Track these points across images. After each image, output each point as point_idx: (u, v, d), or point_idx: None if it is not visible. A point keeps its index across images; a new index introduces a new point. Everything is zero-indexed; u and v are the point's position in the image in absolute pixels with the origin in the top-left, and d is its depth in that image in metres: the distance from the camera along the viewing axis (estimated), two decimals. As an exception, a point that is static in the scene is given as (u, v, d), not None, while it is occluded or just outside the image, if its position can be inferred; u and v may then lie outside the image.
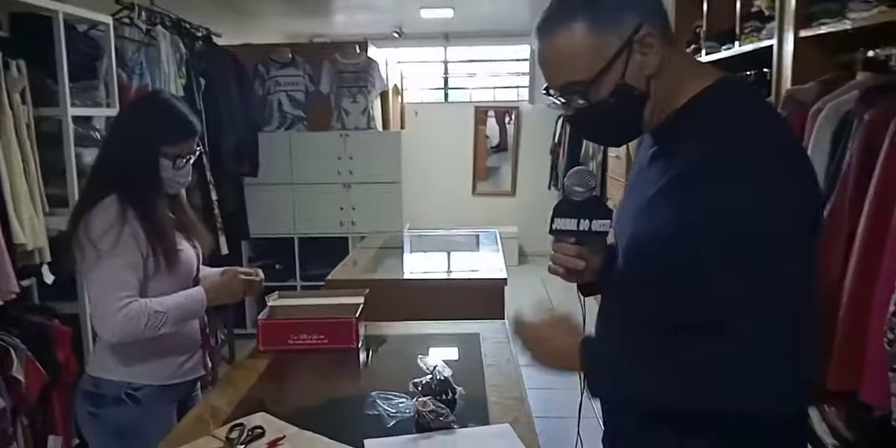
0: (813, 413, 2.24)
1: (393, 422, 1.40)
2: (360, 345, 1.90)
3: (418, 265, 3.64)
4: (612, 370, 0.99)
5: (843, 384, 1.48)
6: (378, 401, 1.44)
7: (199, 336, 1.78)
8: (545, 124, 6.84)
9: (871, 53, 1.90)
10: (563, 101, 1.04)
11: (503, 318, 2.38)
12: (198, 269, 1.80)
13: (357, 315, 1.91)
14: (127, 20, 3.29)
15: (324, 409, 1.54)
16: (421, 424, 1.39)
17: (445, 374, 1.50)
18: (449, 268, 3.35)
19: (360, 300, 2.03)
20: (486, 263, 3.11)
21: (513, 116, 7.28)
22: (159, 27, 3.38)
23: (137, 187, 1.65)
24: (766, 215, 0.88)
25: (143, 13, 3.37)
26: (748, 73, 2.64)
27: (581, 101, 1.00)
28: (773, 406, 0.90)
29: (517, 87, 7.38)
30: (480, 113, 7.31)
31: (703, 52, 3.00)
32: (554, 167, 6.74)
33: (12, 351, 2.30)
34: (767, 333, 0.88)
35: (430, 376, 1.50)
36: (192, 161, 1.74)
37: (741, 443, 0.98)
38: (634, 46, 0.97)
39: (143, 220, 1.61)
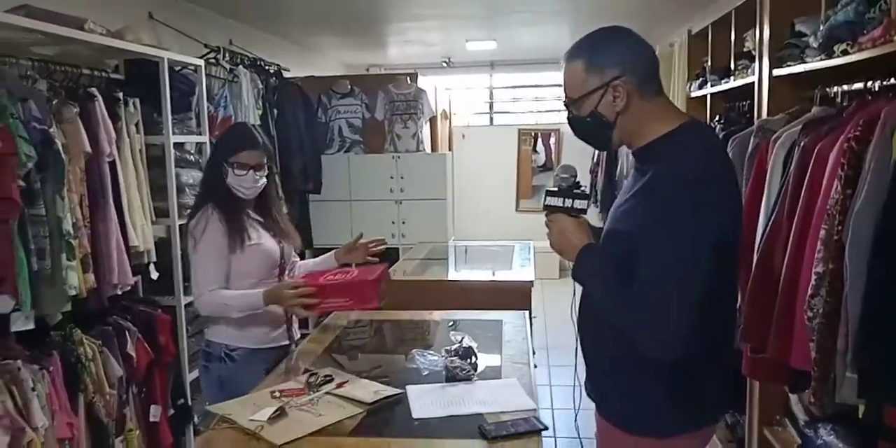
0: (793, 396, 2.61)
1: (427, 372, 1.86)
2: (381, 304, 2.06)
3: (458, 269, 4.11)
4: (591, 269, 1.43)
5: (779, 353, 1.88)
6: (416, 356, 1.90)
7: (283, 314, 2.24)
8: (585, 145, 7.22)
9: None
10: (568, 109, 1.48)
11: (528, 309, 2.81)
12: (283, 259, 2.26)
13: (375, 277, 2.06)
14: (213, 61, 3.88)
15: (376, 366, 2.01)
16: (448, 376, 1.85)
17: (470, 344, 1.96)
18: (485, 271, 3.80)
19: (382, 266, 2.22)
20: (517, 268, 3.55)
21: (554, 138, 7.71)
22: (240, 66, 3.97)
23: (217, 193, 2.16)
24: (685, 225, 1.28)
25: (227, 54, 3.97)
26: (743, 103, 3.05)
27: (573, 112, 1.46)
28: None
29: (558, 110, 7.82)
30: (524, 135, 7.76)
31: (709, 84, 3.40)
32: (593, 185, 7.13)
33: (127, 332, 2.85)
34: (676, 290, 1.28)
35: (458, 345, 1.95)
36: (257, 173, 2.14)
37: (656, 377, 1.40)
38: (608, 89, 1.39)
39: (224, 219, 2.11)
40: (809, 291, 1.73)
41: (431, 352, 1.92)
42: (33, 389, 2.23)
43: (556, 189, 1.53)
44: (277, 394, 1.74)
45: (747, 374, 2.44)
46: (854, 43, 1.88)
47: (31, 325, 2.32)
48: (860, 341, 1.50)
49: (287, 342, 2.28)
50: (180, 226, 3.28)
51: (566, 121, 1.54)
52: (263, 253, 2.19)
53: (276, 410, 1.60)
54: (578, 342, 1.57)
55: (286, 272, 2.31)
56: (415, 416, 1.63)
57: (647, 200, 1.36)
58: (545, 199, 1.52)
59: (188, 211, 3.27)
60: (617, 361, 1.46)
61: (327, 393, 1.75)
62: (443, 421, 1.60)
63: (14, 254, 2.21)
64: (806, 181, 1.85)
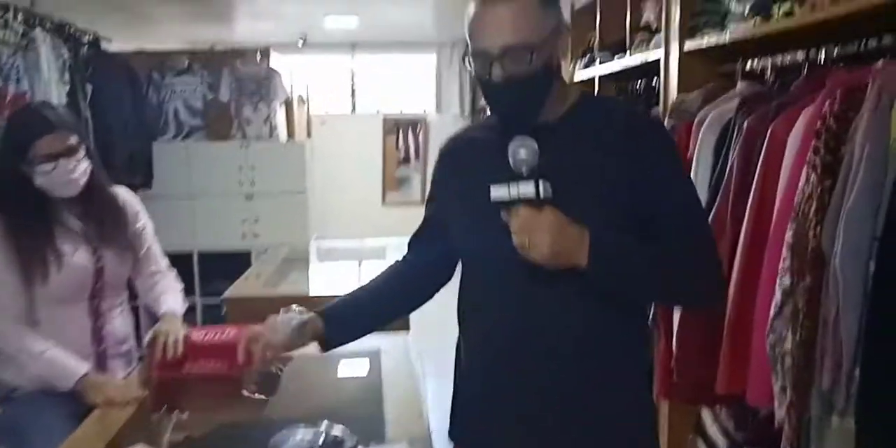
0: (706, 414, 2.31)
1: None
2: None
3: (325, 279, 3.55)
4: (621, 251, 1.11)
5: (731, 387, 1.52)
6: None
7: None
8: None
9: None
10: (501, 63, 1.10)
11: (408, 330, 2.31)
12: (101, 279, 1.76)
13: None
14: (1, 21, 3.07)
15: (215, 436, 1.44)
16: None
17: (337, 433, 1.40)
18: (358, 281, 3.25)
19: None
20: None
21: (421, 127, 7.30)
22: (38, 30, 3.18)
23: (8, 201, 1.67)
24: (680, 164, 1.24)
25: (20, 15, 3.16)
26: (636, 84, 2.73)
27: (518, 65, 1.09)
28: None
29: (424, 97, 7.41)
30: (389, 124, 7.29)
31: (598, 61, 3.06)
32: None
33: None
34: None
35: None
36: (69, 159, 1.67)
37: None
38: (562, 33, 1.15)
39: (12, 233, 1.64)
40: (772, 311, 1.37)
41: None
42: None
43: (520, 173, 1.06)
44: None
45: (664, 397, 2.09)
46: (803, 2, 1.56)
47: None
48: (865, 379, 1.15)
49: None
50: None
51: (491, 86, 1.14)
52: (69, 270, 1.70)
53: None
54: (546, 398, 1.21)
55: (102, 295, 1.80)
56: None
57: (617, 155, 1.14)
58: (514, 188, 1.04)
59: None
60: (621, 369, 1.23)
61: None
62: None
63: None
64: (758, 171, 1.49)
